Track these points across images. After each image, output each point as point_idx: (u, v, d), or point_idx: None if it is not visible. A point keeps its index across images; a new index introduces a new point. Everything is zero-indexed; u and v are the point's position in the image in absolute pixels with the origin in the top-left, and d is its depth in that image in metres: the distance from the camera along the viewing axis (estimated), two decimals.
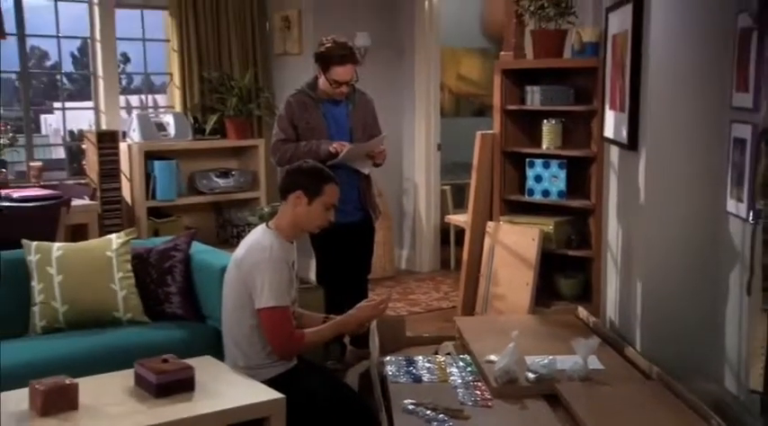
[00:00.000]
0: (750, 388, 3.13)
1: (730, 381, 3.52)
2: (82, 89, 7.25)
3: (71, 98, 6.73)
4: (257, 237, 3.20)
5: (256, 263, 3.08)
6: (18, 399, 2.63)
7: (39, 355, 3.34)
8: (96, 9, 6.07)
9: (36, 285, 3.70)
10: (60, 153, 6.58)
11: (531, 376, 3.42)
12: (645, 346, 3.78)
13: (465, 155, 5.96)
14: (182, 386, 2.75)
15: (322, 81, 4.30)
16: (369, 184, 4.48)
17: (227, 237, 6.24)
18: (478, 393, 3.35)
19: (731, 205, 3.43)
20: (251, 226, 5.59)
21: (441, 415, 3.12)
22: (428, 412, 3.13)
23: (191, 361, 2.92)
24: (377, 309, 3.35)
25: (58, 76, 6.73)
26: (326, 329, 3.31)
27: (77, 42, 6.85)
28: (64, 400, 2.57)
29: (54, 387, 2.56)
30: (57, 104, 7.36)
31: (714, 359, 3.63)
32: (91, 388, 2.71)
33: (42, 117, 7.55)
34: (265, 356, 3.10)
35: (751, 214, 3.12)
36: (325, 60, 4.25)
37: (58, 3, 6.05)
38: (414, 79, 6.88)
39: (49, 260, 3.74)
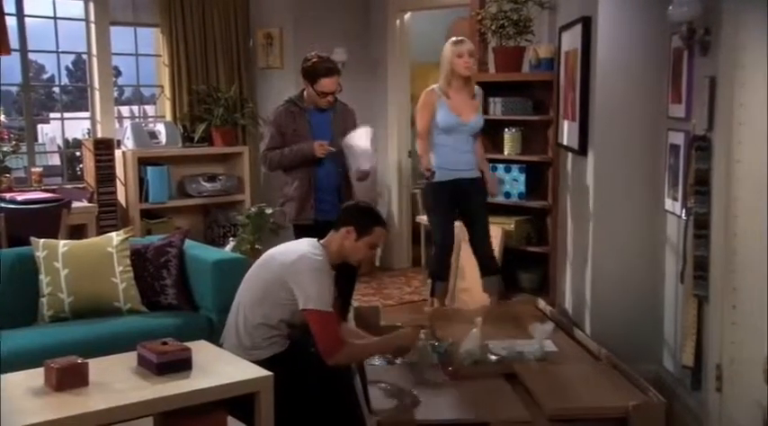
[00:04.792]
0: (682, 364, 3.31)
1: (668, 359, 3.72)
2: (76, 100, 7.26)
3: (66, 109, 6.74)
4: (310, 248, 3.20)
5: (309, 270, 3.09)
6: (33, 377, 2.73)
7: (48, 341, 3.43)
8: (93, 26, 6.12)
9: (44, 278, 3.77)
10: (55, 160, 6.56)
11: (492, 357, 3.59)
12: (594, 331, 3.96)
13: None
14: (180, 365, 2.81)
15: (310, 92, 4.31)
16: (349, 186, 4.45)
17: (215, 237, 6.31)
18: (445, 372, 3.50)
19: (668, 203, 3.62)
20: (237, 225, 5.72)
21: (412, 390, 3.29)
22: (399, 389, 3.32)
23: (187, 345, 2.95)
24: (413, 336, 3.37)
25: (56, 88, 6.76)
26: (371, 346, 3.33)
27: (71, 57, 6.88)
28: (76, 377, 2.65)
29: (67, 365, 2.65)
30: (53, 115, 7.35)
31: (654, 341, 3.83)
32: (99, 368, 2.78)
33: (39, 126, 7.55)
34: (261, 340, 3.15)
35: (683, 211, 3.30)
36: (313, 74, 4.27)
37: (57, 20, 6.09)
38: (387, 91, 6.96)
39: (55, 255, 3.80)
